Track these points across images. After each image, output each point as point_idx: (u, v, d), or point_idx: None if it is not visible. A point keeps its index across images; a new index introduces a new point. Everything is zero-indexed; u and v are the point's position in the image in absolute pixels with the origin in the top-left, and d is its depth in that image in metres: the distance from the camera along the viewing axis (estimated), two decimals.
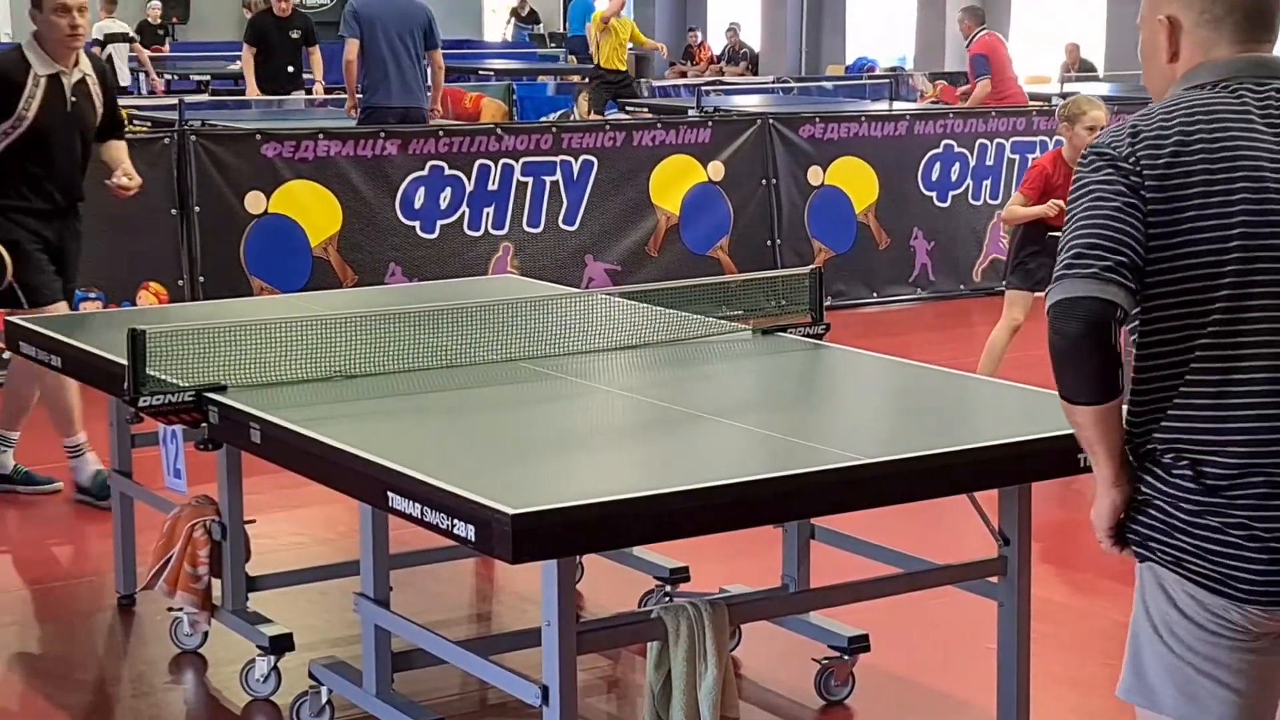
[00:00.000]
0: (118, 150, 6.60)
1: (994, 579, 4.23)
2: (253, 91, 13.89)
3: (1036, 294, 7.77)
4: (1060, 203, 7.55)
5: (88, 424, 6.52)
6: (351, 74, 10.87)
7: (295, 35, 13.97)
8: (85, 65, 6.38)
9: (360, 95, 10.67)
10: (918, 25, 25.98)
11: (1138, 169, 2.71)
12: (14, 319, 5.49)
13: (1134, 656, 2.84)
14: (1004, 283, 8.02)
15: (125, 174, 6.46)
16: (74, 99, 6.31)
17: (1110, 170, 2.72)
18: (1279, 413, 2.68)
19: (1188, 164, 2.70)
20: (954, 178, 11.30)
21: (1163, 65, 2.86)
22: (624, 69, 16.49)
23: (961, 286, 11.31)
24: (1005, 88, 13.36)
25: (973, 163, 11.37)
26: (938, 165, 11.29)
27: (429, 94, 10.86)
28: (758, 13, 27.24)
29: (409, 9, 10.75)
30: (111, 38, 16.99)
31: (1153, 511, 2.77)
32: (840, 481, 3.56)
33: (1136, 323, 2.78)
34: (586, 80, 17.20)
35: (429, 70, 10.85)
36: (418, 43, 10.71)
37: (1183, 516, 2.73)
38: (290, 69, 13.94)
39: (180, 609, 4.86)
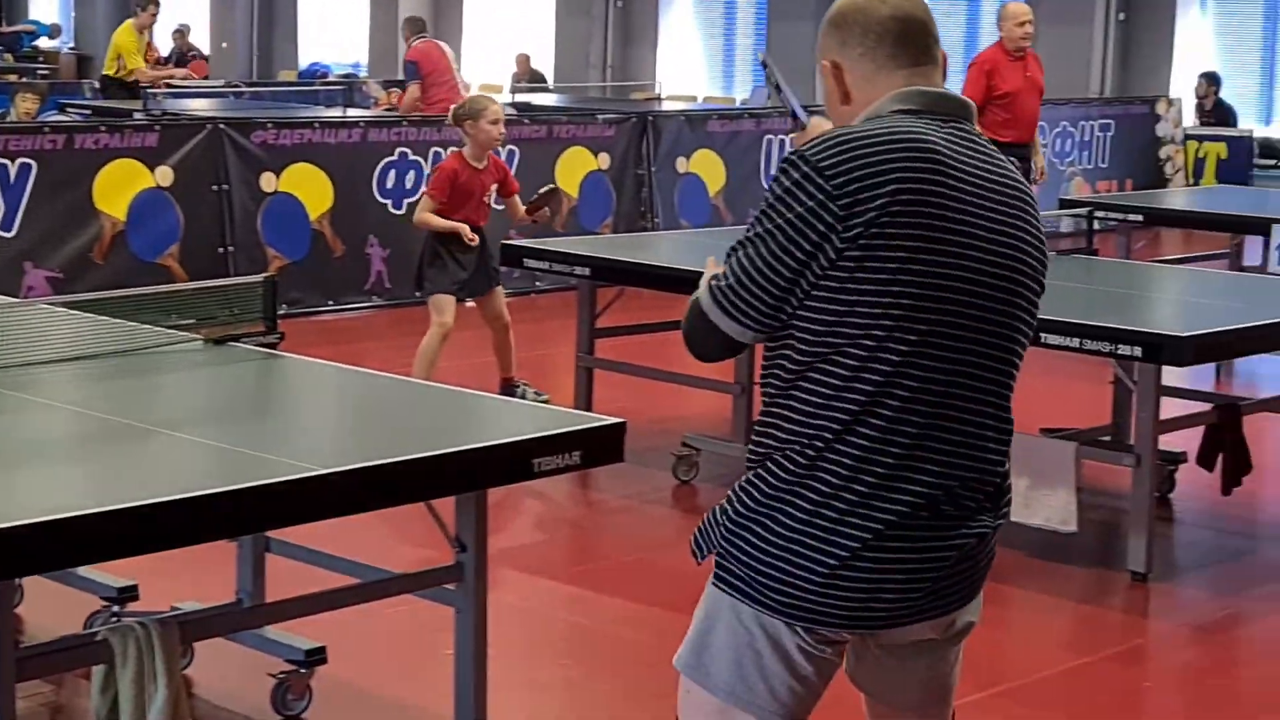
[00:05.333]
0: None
1: (451, 585, 4.25)
2: None
3: (463, 300, 7.94)
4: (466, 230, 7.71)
5: None
6: None
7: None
8: None
9: None
10: (370, 33, 26.02)
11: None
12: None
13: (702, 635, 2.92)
14: (421, 288, 8.08)
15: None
16: None
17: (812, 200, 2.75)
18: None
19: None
20: (409, 185, 11.34)
21: (839, 108, 2.95)
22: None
23: (417, 294, 11.35)
24: (439, 94, 13.53)
25: (428, 170, 11.43)
26: (393, 173, 11.31)
27: None
28: (207, 15, 26.73)
29: None
30: None
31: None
32: (293, 493, 3.51)
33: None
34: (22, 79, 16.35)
35: None
36: None
37: None
38: None
39: None
